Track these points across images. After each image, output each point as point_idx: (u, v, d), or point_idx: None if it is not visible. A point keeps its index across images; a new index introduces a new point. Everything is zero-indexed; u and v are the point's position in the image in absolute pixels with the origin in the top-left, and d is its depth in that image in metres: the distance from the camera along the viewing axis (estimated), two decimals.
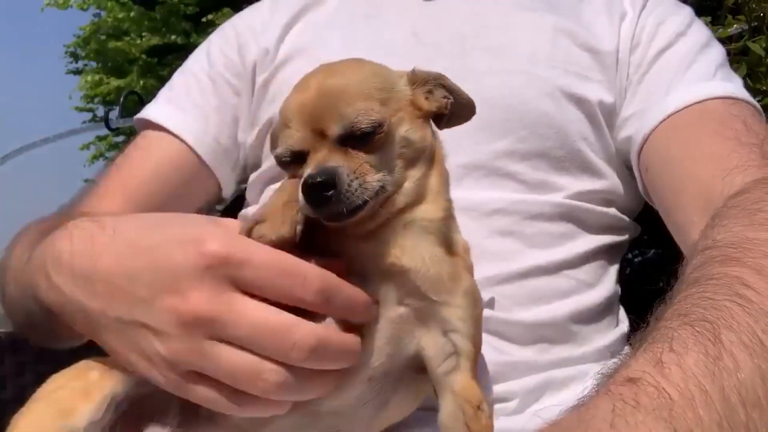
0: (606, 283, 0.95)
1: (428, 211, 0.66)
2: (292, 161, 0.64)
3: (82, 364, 0.65)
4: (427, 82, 0.69)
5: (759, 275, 0.50)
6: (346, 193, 0.59)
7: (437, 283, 0.64)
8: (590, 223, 0.95)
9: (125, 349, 0.60)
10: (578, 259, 0.91)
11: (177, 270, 0.56)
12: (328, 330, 0.58)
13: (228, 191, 1.10)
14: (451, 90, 0.70)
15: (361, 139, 0.62)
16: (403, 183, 0.65)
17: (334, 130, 0.62)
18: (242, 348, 0.56)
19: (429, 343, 0.64)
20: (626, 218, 1.01)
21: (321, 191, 0.58)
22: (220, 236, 0.57)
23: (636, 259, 1.74)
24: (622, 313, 1.00)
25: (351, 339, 0.59)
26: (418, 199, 0.66)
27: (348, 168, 0.60)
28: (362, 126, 0.61)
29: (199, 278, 0.55)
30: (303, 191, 0.59)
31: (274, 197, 0.62)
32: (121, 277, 0.59)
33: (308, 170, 0.60)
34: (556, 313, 0.87)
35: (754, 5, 1.59)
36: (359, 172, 0.60)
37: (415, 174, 0.66)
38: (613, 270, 0.98)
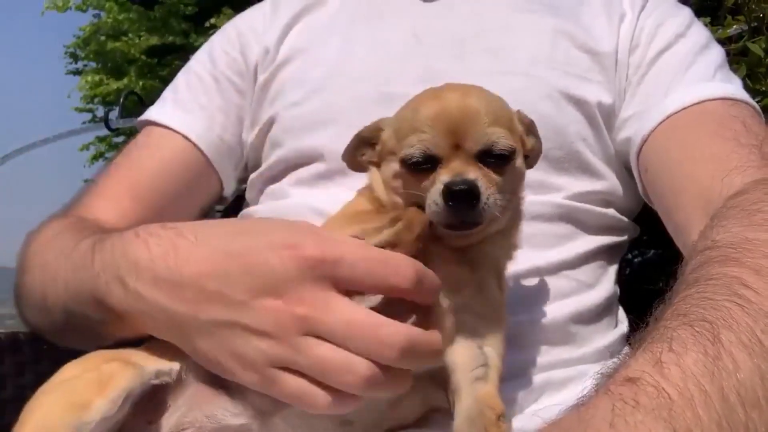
0: (605, 283, 0.95)
1: (507, 252, 0.74)
2: (422, 163, 0.66)
3: (96, 355, 0.65)
4: (526, 124, 0.74)
5: (758, 275, 0.50)
6: (484, 206, 0.63)
7: (487, 307, 0.69)
8: (589, 223, 0.95)
9: (214, 350, 0.61)
10: (577, 260, 0.92)
11: (275, 273, 0.59)
12: (415, 329, 0.60)
13: (229, 190, 1.10)
14: (537, 136, 0.75)
15: (496, 160, 0.66)
16: (506, 210, 0.70)
17: (474, 145, 0.66)
18: (336, 345, 0.58)
19: (461, 352, 0.67)
20: (625, 219, 1.01)
21: (466, 199, 0.63)
22: (311, 239, 0.60)
23: (636, 260, 1.74)
24: (621, 313, 1.00)
25: (436, 337, 0.61)
26: (505, 229, 0.72)
27: (483, 183, 0.64)
28: (502, 148, 0.66)
29: (297, 280, 0.58)
30: (445, 196, 0.63)
31: (404, 225, 0.65)
32: (214, 281, 0.61)
33: (446, 176, 0.64)
34: (555, 314, 0.87)
35: (753, 6, 1.59)
36: (491, 189, 0.64)
37: (513, 205, 0.72)
38: (612, 270, 0.98)
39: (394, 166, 0.70)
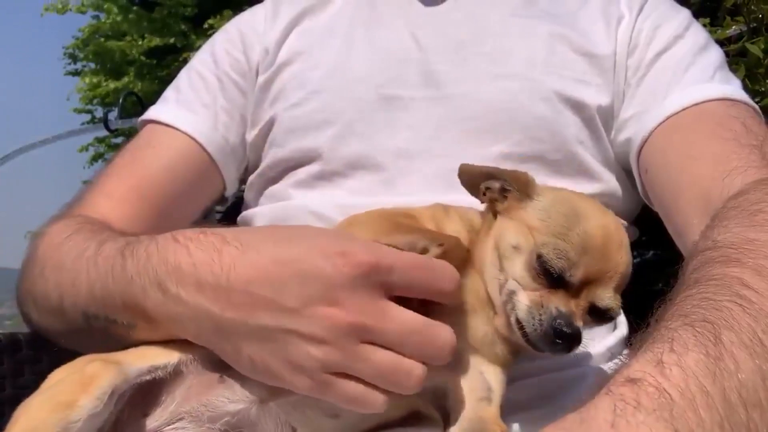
0: None
1: None
2: (554, 273, 0.67)
3: (83, 358, 0.65)
4: None
5: (759, 276, 0.50)
6: (573, 350, 0.66)
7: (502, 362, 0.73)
8: None
9: (262, 355, 0.61)
10: None
11: (329, 280, 0.59)
12: (449, 327, 0.63)
13: (231, 191, 1.10)
14: None
15: (601, 319, 0.70)
16: None
17: (598, 300, 0.68)
18: (391, 349, 0.60)
19: (467, 375, 0.70)
20: (624, 221, 1.01)
21: (567, 342, 0.65)
22: (362, 247, 0.61)
23: (635, 261, 1.74)
24: (620, 316, 1.00)
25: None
26: None
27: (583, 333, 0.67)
28: (612, 316, 0.70)
29: (352, 287, 0.59)
30: (554, 328, 0.65)
31: (441, 253, 0.67)
32: (264, 287, 0.61)
33: (563, 308, 0.66)
34: None
35: (752, 7, 1.60)
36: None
37: None
38: None
39: (519, 238, 0.70)
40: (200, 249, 0.65)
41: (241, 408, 0.65)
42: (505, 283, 0.69)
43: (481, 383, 0.69)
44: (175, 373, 0.66)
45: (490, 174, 0.75)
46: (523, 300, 0.67)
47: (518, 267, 0.69)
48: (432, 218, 0.76)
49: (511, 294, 0.68)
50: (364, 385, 0.60)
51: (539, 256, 0.67)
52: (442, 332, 0.62)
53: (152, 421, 0.65)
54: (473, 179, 0.76)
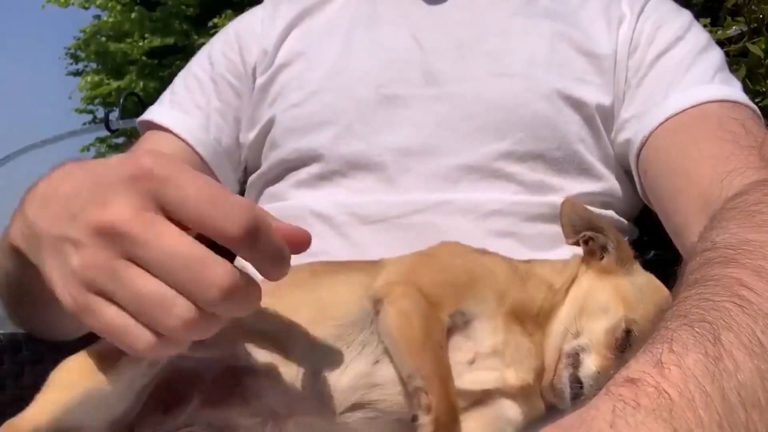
0: None
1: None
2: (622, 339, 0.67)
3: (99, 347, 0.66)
4: None
5: (758, 276, 0.50)
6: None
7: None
8: None
9: (51, 268, 0.56)
10: None
11: (103, 179, 0.53)
12: (239, 272, 0.50)
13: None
14: None
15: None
16: None
17: None
18: (156, 276, 0.50)
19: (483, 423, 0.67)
20: (624, 221, 1.01)
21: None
22: (157, 157, 0.52)
23: None
24: None
25: (257, 288, 0.52)
26: None
27: None
28: None
29: (123, 189, 0.51)
30: (585, 374, 0.65)
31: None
32: (71, 195, 0.56)
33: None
34: None
35: (753, 7, 1.60)
36: None
37: None
38: None
39: (611, 302, 0.69)
40: (57, 171, 0.61)
41: (256, 421, 0.63)
42: (578, 336, 0.68)
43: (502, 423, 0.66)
44: (195, 376, 0.65)
45: (598, 227, 0.74)
46: (595, 362, 0.66)
47: (599, 329, 0.68)
48: (513, 278, 0.74)
49: (581, 350, 0.67)
50: (130, 317, 0.51)
51: (629, 332, 0.67)
52: (216, 266, 0.49)
53: (172, 420, 0.65)
54: (576, 219, 0.76)
